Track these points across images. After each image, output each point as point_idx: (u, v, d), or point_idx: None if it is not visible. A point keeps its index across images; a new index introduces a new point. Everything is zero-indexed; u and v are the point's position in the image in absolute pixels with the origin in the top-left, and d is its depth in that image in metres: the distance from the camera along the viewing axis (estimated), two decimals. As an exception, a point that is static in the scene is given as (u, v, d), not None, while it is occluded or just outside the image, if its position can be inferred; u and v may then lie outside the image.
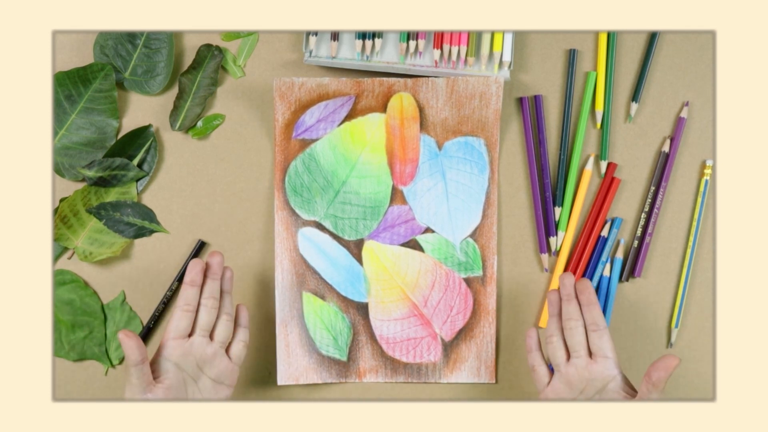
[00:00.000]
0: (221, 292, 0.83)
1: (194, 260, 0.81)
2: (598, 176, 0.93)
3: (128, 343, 0.76)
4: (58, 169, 0.90)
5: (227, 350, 0.83)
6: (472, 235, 0.92)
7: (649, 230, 0.91)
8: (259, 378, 0.92)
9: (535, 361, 0.84)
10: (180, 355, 0.79)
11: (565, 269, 0.92)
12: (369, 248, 0.92)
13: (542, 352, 0.85)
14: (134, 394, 0.77)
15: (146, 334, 0.91)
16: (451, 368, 0.91)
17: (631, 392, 0.80)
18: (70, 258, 0.92)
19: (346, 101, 0.91)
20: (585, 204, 0.93)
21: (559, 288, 0.83)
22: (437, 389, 0.92)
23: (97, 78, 0.91)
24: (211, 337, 0.81)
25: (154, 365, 0.79)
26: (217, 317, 0.82)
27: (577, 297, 0.82)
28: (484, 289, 0.91)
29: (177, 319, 0.79)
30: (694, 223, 0.91)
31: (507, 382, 0.92)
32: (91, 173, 0.90)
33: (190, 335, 0.80)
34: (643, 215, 0.91)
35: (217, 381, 0.81)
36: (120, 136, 0.92)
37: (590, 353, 0.81)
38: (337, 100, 0.91)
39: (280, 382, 0.91)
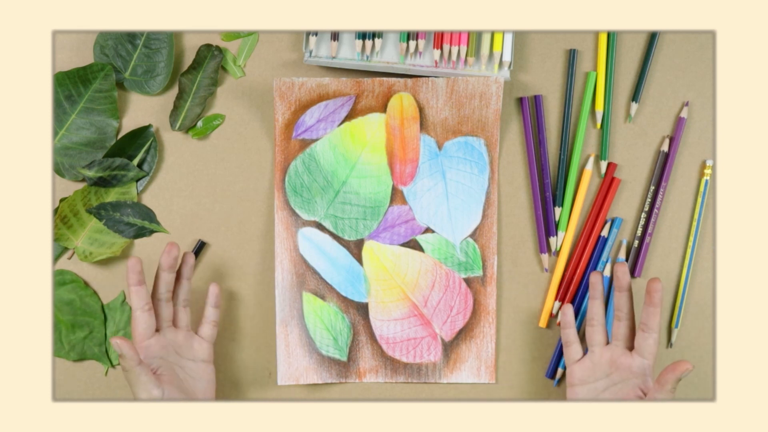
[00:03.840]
0: (180, 279, 0.86)
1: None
2: (598, 176, 0.93)
3: (125, 345, 0.77)
4: (58, 169, 0.90)
5: (198, 331, 0.86)
6: (472, 235, 0.92)
7: (649, 230, 0.91)
8: (259, 378, 0.92)
9: (569, 337, 0.86)
10: (160, 349, 0.82)
11: (565, 269, 0.92)
12: (369, 248, 0.92)
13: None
14: (150, 391, 0.78)
15: (146, 334, 0.91)
16: (451, 368, 0.91)
17: (643, 394, 0.82)
18: (70, 258, 0.92)
19: (346, 101, 0.91)
20: (585, 204, 0.93)
21: (614, 275, 0.85)
22: (437, 389, 0.92)
23: (97, 78, 0.90)
24: (175, 324, 0.85)
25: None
26: (175, 305, 0.85)
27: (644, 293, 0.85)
28: (484, 289, 0.91)
29: (142, 322, 0.81)
30: (694, 223, 0.91)
31: (507, 382, 0.92)
32: (91, 173, 0.90)
33: (157, 330, 0.83)
34: (643, 215, 0.91)
35: (197, 360, 0.84)
36: (120, 136, 0.92)
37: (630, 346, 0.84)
38: (337, 100, 0.91)
39: (280, 382, 0.91)
